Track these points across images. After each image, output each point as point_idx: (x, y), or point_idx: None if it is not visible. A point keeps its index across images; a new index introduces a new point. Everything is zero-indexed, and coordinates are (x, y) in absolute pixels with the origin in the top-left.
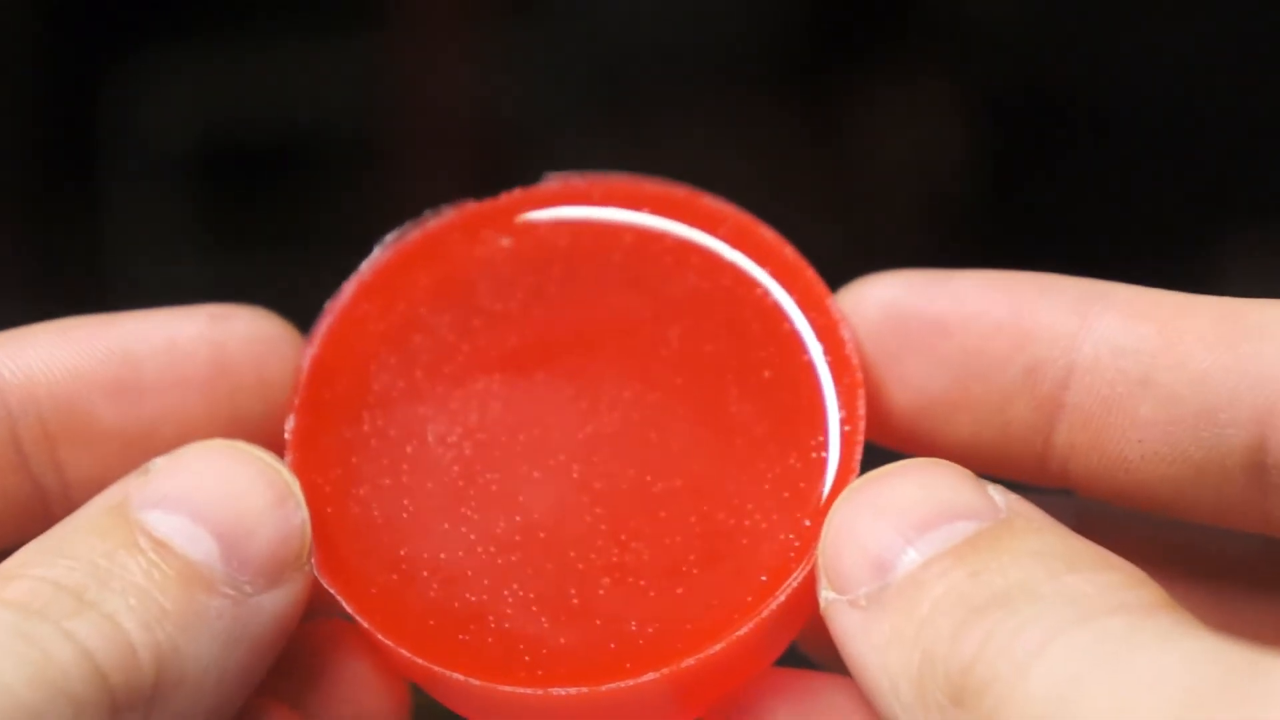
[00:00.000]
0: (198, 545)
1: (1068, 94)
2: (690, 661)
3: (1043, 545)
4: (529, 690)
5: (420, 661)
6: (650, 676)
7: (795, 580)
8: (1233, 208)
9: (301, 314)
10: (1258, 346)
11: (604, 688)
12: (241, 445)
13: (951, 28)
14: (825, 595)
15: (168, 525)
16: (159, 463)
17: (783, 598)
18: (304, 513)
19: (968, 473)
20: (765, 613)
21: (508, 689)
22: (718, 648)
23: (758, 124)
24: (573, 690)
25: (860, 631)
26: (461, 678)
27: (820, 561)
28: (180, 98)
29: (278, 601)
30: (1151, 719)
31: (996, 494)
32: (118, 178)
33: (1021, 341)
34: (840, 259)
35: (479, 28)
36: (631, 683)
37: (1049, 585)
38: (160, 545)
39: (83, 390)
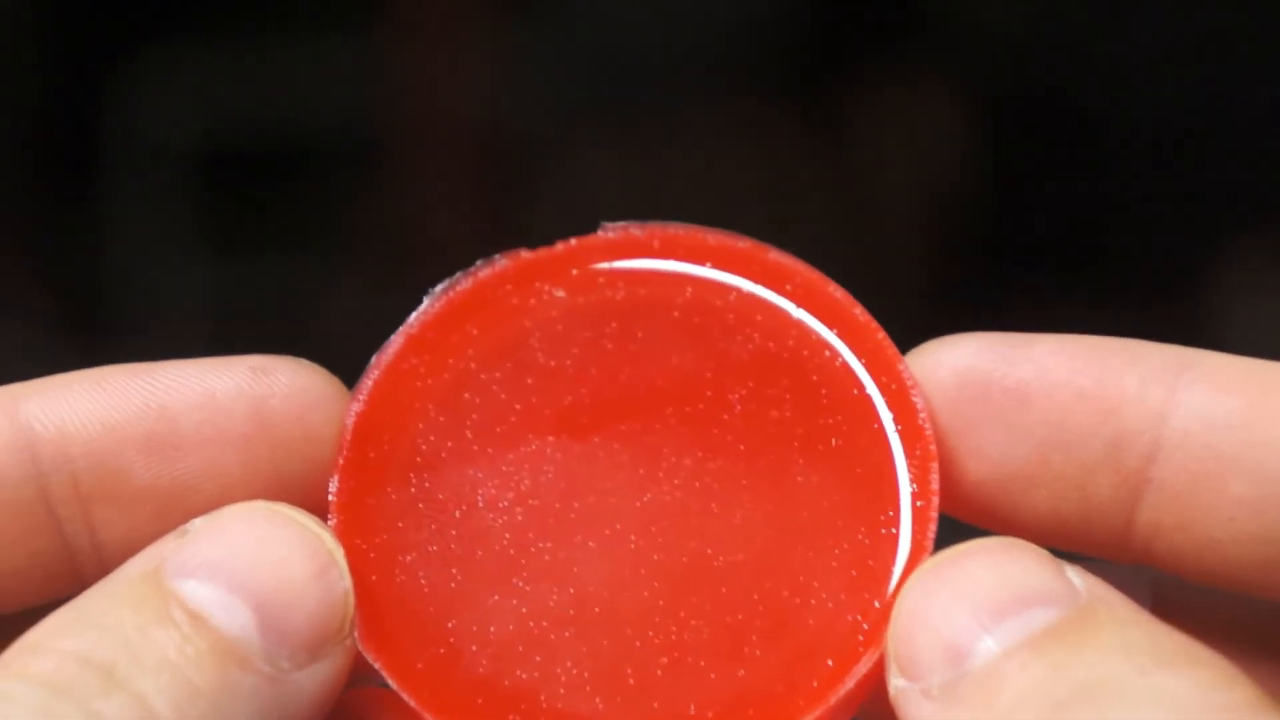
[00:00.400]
0: (234, 618)
1: (1070, 98)
2: None
3: (1128, 638)
4: None
5: None
6: None
7: (864, 667)
8: (1234, 211)
9: (301, 314)
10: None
11: None
12: (283, 509)
13: (953, 31)
14: (895, 683)
15: (203, 596)
16: (197, 524)
17: (851, 684)
18: (347, 582)
19: (1046, 554)
20: (833, 700)
21: None
22: None
23: (759, 126)
24: None
25: None
26: None
27: (890, 647)
28: (180, 98)
29: (317, 677)
30: None
31: (1076, 577)
32: (118, 178)
33: (1107, 413)
34: (841, 261)
35: (479, 28)
36: None
37: (1138, 683)
38: (195, 618)
39: (117, 446)
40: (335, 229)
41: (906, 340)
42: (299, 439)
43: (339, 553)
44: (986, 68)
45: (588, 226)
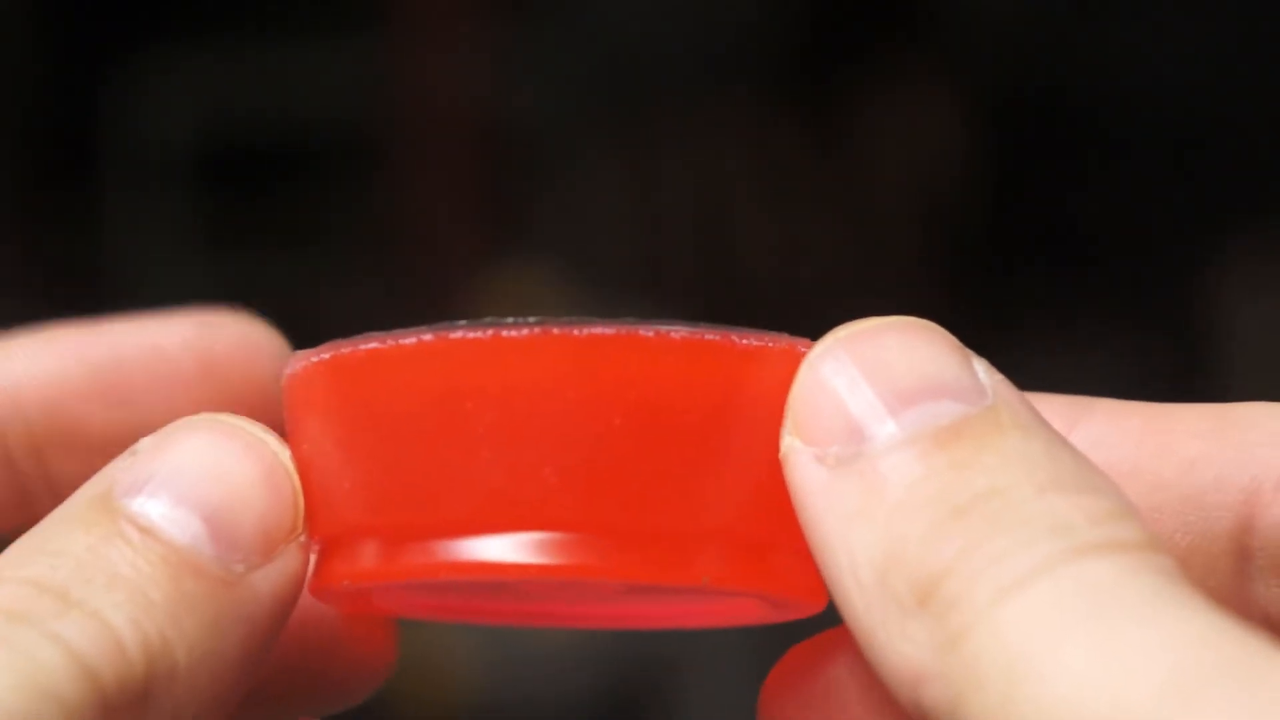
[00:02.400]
0: (184, 528)
1: (1070, 98)
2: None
3: (1029, 449)
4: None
5: None
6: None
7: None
8: (1233, 210)
9: (301, 312)
10: (1244, 434)
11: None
12: (227, 418)
13: (954, 32)
14: (788, 441)
15: (152, 510)
16: (144, 443)
17: None
18: (295, 482)
19: (956, 342)
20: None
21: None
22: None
23: (759, 125)
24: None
25: (824, 493)
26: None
27: (791, 405)
28: (180, 98)
29: (273, 577)
30: (1129, 704)
31: (983, 372)
32: (118, 178)
33: None
34: (841, 260)
35: (479, 28)
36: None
37: (1035, 504)
38: (145, 532)
39: (69, 397)
40: (335, 228)
41: None
42: (243, 384)
43: (285, 454)
44: (986, 68)
45: (588, 226)
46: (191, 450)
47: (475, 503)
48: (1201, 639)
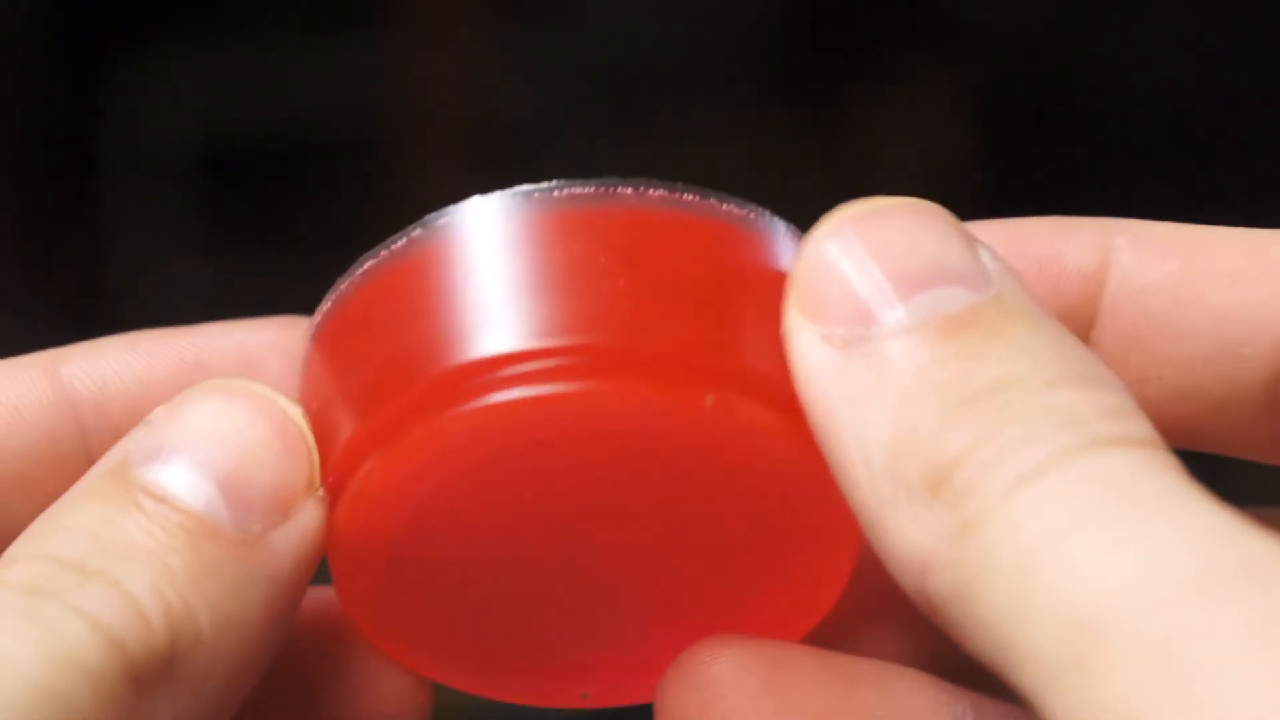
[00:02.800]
0: (199, 494)
1: (1070, 97)
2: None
3: (1037, 340)
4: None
5: None
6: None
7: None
8: (1234, 209)
9: (301, 312)
10: (1277, 279)
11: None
12: (235, 382)
13: (954, 28)
14: (793, 317)
15: (166, 478)
16: (157, 413)
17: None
18: (308, 439)
19: (960, 226)
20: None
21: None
22: None
23: (759, 124)
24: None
25: (831, 373)
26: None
27: (795, 283)
28: (180, 98)
29: (291, 536)
30: (1152, 592)
31: (988, 258)
32: (118, 178)
33: (1049, 291)
34: None
35: (479, 28)
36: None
37: (1045, 396)
38: (160, 501)
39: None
40: (335, 228)
41: None
42: None
43: (296, 412)
44: (986, 66)
45: None
46: (202, 415)
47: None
48: (1221, 538)
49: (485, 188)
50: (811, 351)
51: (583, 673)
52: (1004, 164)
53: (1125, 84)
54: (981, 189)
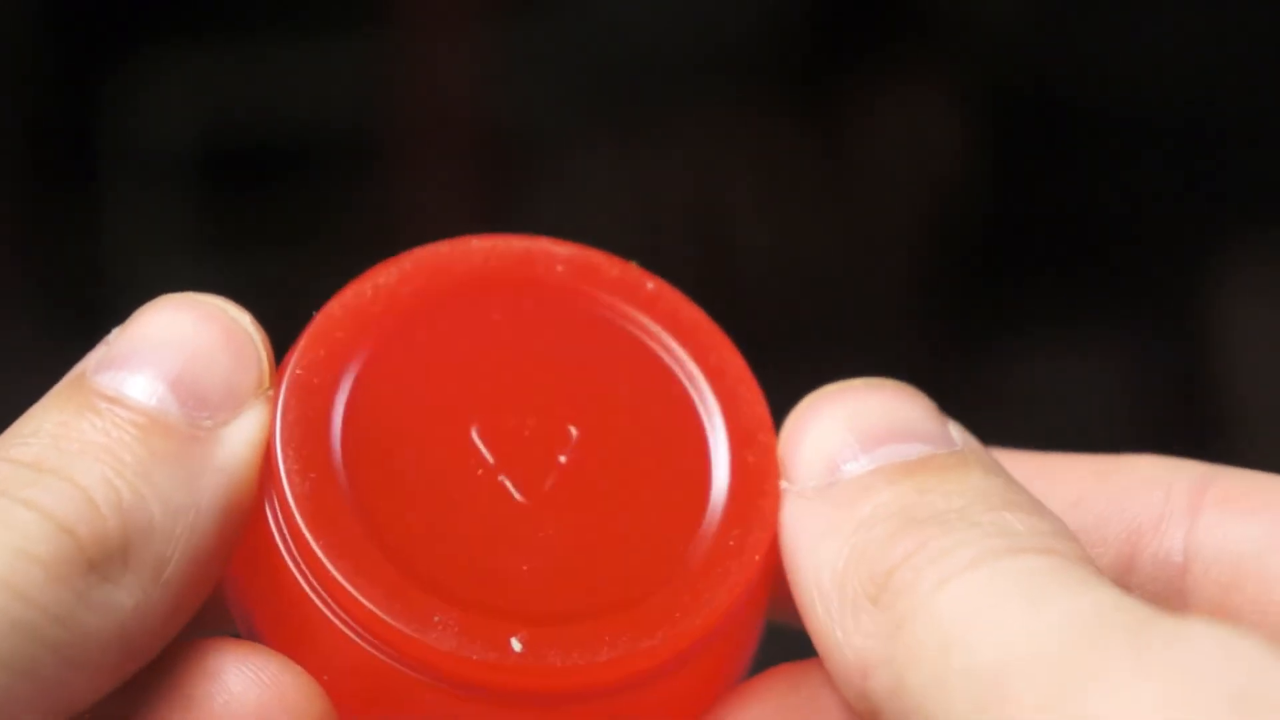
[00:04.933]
0: (150, 393)
1: (1070, 97)
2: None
3: (988, 484)
4: None
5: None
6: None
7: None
8: (1234, 210)
9: (302, 312)
10: (1125, 479)
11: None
12: (187, 295)
13: (953, 31)
14: (781, 484)
15: (119, 382)
16: (114, 331)
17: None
18: (257, 340)
19: (932, 404)
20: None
21: None
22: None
23: (758, 125)
24: None
25: (800, 519)
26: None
27: (779, 451)
28: (180, 98)
29: (244, 429)
30: (1049, 650)
31: (955, 431)
32: (118, 178)
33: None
34: (840, 260)
35: (479, 28)
36: None
37: (984, 516)
38: (113, 401)
39: None
40: (335, 228)
41: (905, 336)
42: None
43: (245, 318)
44: (986, 66)
45: (587, 226)
46: (153, 326)
47: None
48: (1115, 605)
49: (485, 188)
50: (788, 507)
51: (516, 617)
52: (1004, 165)
53: (1126, 84)
54: (981, 190)
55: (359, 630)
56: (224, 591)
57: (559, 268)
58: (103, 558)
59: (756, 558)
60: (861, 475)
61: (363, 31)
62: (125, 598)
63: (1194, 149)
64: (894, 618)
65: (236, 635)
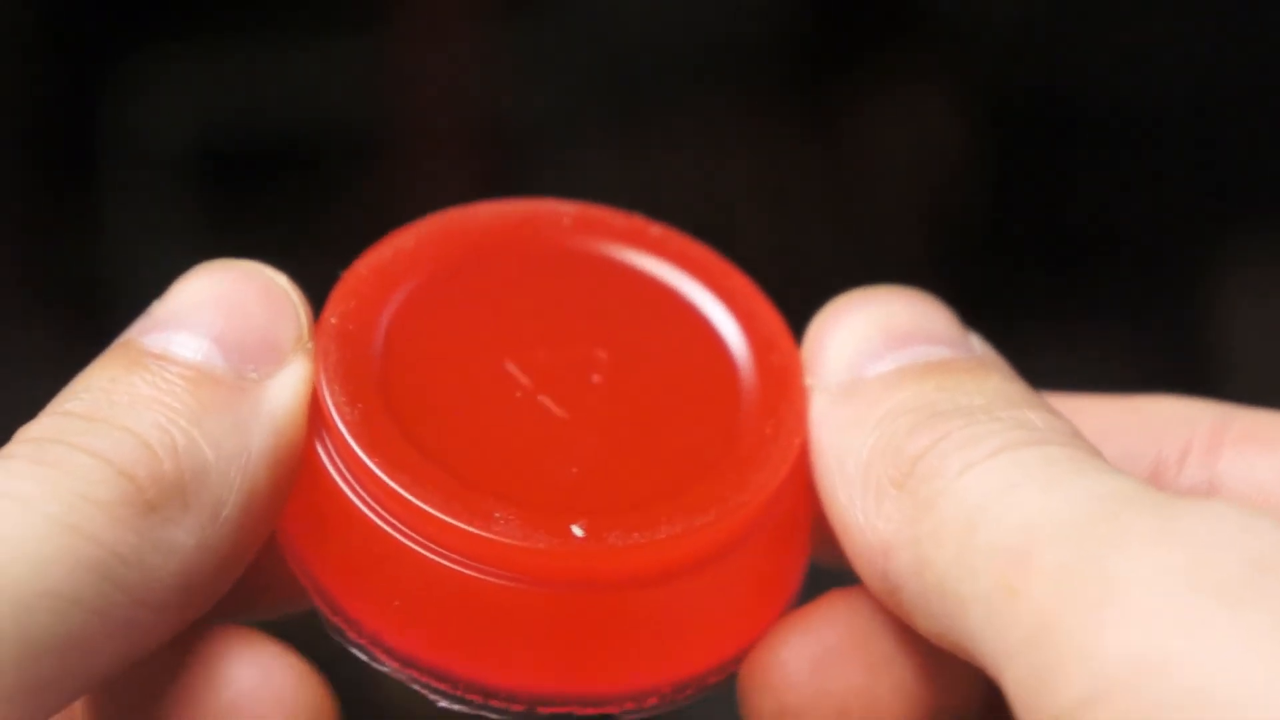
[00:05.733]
0: (196, 349)
1: (1069, 97)
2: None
3: (1008, 387)
4: None
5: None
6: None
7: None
8: (1235, 210)
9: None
10: (1150, 415)
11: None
12: (224, 260)
13: (953, 31)
14: (806, 380)
15: (165, 341)
16: (155, 303)
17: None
18: (294, 298)
19: (954, 314)
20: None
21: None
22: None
23: (758, 125)
24: None
25: (825, 412)
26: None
27: (804, 351)
28: (180, 98)
29: (287, 381)
30: (1071, 523)
31: (976, 341)
32: (118, 178)
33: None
34: (840, 259)
35: (479, 28)
36: None
37: (1005, 412)
38: (160, 358)
39: None
40: (335, 227)
41: None
42: None
43: (281, 278)
44: (986, 68)
45: None
46: (193, 289)
47: None
48: (1132, 489)
49: (486, 187)
50: (814, 405)
51: (573, 509)
52: (1003, 165)
53: (1126, 86)
54: (981, 191)
55: (423, 539)
56: (279, 545)
57: (566, 221)
58: (162, 499)
59: (795, 441)
60: (885, 373)
61: (363, 31)
62: (185, 538)
63: (1194, 148)
64: (918, 501)
65: (294, 593)
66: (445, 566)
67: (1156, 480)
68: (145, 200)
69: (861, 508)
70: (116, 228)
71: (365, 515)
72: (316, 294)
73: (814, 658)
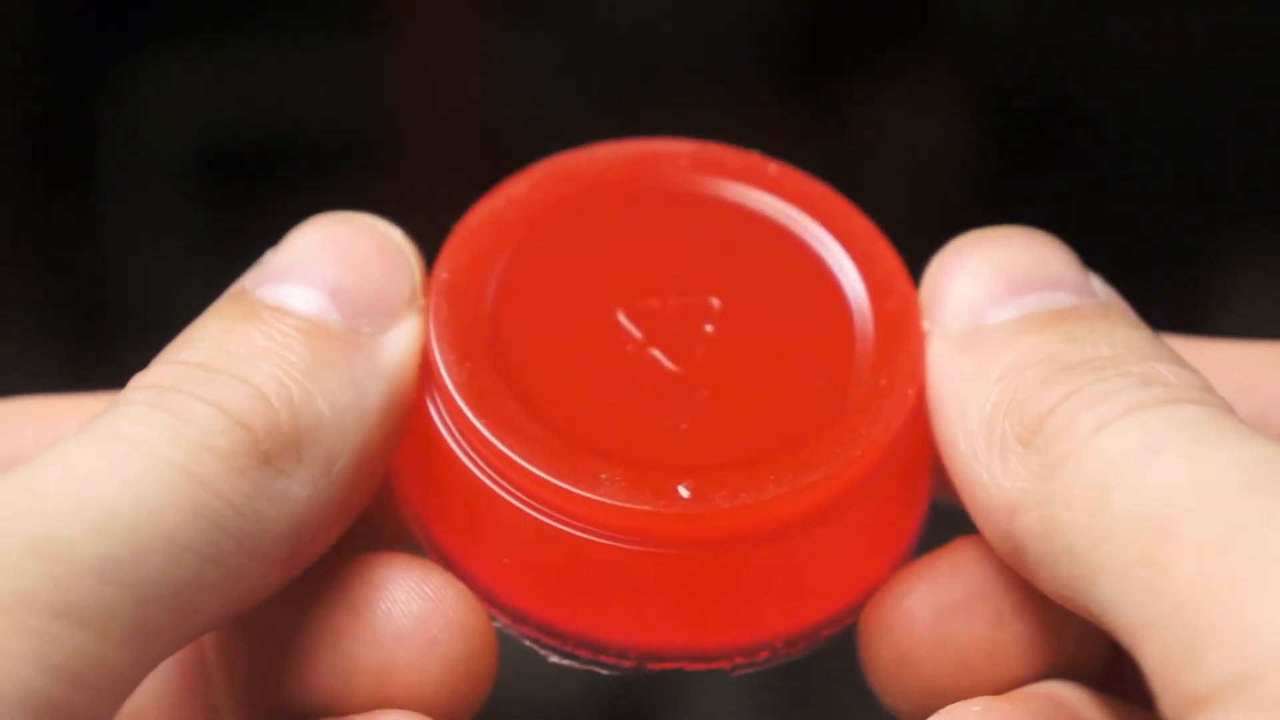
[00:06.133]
0: (311, 303)
1: (1070, 98)
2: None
3: (1135, 335)
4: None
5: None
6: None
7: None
8: (1236, 211)
9: None
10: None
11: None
12: (341, 213)
13: (953, 31)
14: (924, 324)
15: (280, 293)
16: (268, 252)
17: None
18: (409, 256)
19: (1075, 256)
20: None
21: None
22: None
23: (758, 126)
24: None
25: (945, 360)
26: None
27: (922, 295)
28: (180, 98)
29: (400, 338)
30: (1217, 494)
31: (1098, 284)
32: (118, 178)
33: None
34: None
35: (479, 28)
36: None
37: (1135, 366)
38: (275, 310)
39: None
40: None
41: None
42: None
43: (397, 234)
44: (986, 68)
45: None
46: (308, 241)
47: None
48: (1274, 456)
49: (485, 189)
50: (933, 349)
51: (680, 469)
52: (1004, 166)
53: (1127, 86)
54: (982, 191)
55: (530, 499)
56: (390, 493)
57: (682, 162)
58: (278, 451)
59: (910, 392)
60: (1008, 321)
61: (363, 31)
62: (298, 490)
63: (1194, 148)
64: (1048, 460)
65: (402, 547)
66: (552, 526)
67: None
68: (145, 200)
69: (985, 463)
70: (116, 228)
71: (474, 475)
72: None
73: (937, 608)
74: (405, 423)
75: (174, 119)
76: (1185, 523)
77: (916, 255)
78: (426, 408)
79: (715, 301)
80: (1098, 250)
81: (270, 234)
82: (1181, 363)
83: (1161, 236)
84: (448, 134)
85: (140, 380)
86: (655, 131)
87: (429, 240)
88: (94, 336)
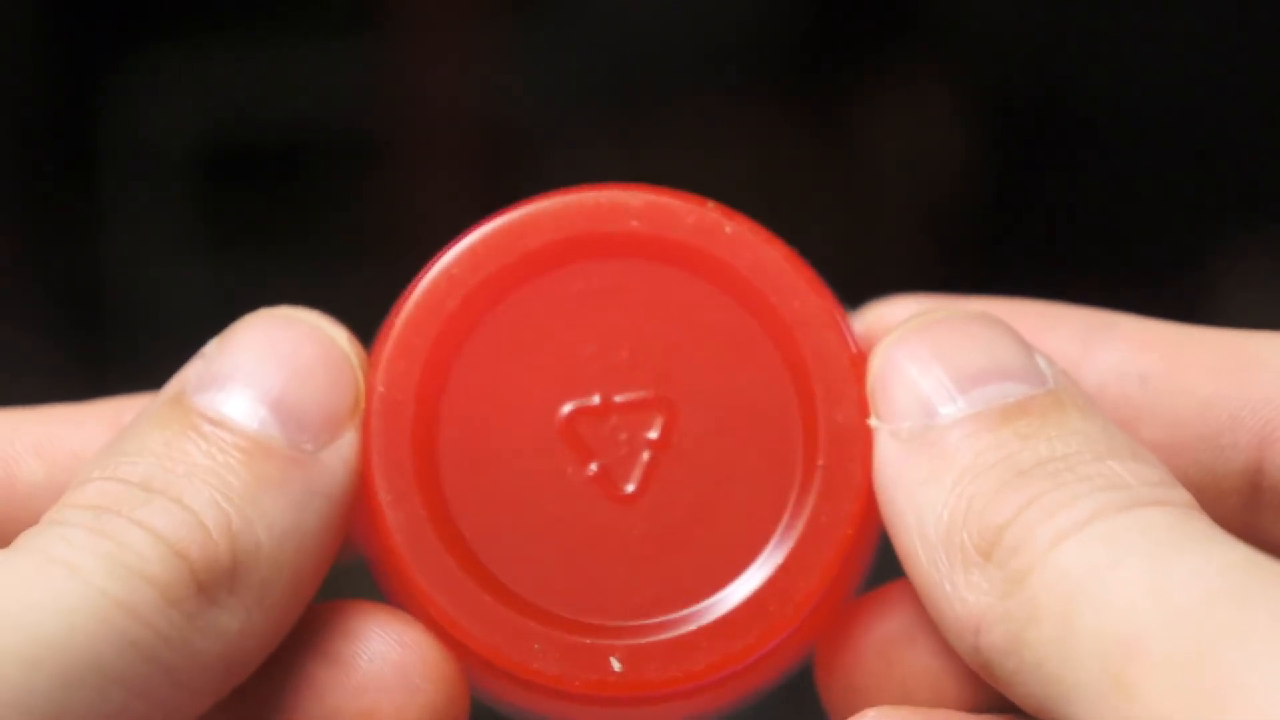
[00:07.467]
0: (253, 416)
1: (1070, 98)
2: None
3: (1088, 426)
4: None
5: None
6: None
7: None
8: (1233, 212)
9: None
10: (1259, 374)
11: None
12: (284, 310)
13: (954, 32)
14: (871, 421)
15: (221, 403)
16: (211, 345)
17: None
18: (353, 362)
19: (1020, 335)
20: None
21: None
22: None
23: (759, 126)
24: None
25: (897, 463)
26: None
27: (869, 387)
28: (181, 98)
29: (342, 453)
30: (1180, 608)
31: (1044, 364)
32: (119, 178)
33: None
34: (841, 259)
35: (479, 28)
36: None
37: (1094, 466)
38: (216, 424)
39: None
40: (336, 228)
41: None
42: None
43: (341, 337)
44: (986, 68)
45: None
46: (253, 344)
47: None
48: (1246, 563)
49: (486, 189)
50: (882, 447)
51: (613, 632)
52: (1004, 166)
53: (1126, 87)
54: (981, 192)
55: (463, 658)
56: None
57: (632, 223)
58: (212, 581)
59: (849, 532)
60: (960, 420)
61: (363, 31)
62: (231, 621)
63: (1194, 148)
64: (1009, 575)
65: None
66: (482, 671)
67: (1260, 453)
68: (145, 200)
69: (948, 577)
70: (116, 228)
71: (407, 611)
72: (317, 295)
73: (881, 641)
74: (340, 540)
75: (175, 119)
76: (1151, 641)
77: (916, 255)
78: (365, 526)
79: (659, 397)
80: (1098, 250)
81: (270, 234)
82: (1137, 455)
83: (1160, 236)
84: (448, 133)
85: (79, 498)
86: (655, 131)
87: (428, 242)
88: (94, 337)
